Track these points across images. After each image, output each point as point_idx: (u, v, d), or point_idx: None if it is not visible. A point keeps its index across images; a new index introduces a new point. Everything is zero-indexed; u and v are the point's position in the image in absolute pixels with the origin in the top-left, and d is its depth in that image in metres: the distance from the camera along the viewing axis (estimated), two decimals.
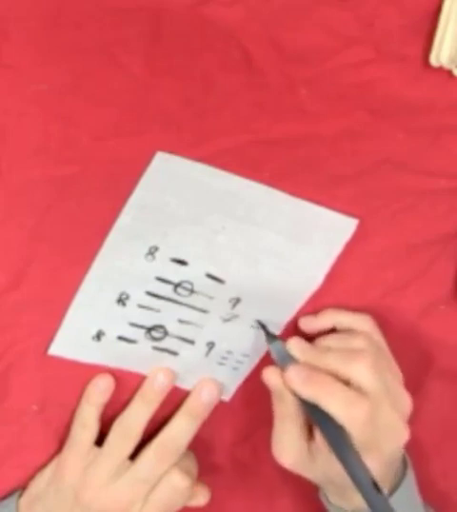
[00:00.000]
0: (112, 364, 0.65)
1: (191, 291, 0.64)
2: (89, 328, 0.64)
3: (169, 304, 0.64)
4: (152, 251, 0.63)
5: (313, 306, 0.67)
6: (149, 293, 0.64)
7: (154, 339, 0.65)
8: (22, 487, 0.66)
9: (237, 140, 0.64)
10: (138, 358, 0.65)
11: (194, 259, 0.64)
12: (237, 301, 0.65)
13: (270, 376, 0.63)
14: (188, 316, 0.65)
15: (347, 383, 0.60)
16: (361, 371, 0.60)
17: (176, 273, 0.64)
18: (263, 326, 0.65)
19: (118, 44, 0.64)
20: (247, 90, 0.65)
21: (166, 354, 0.66)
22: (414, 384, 0.64)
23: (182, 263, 0.64)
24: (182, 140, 0.64)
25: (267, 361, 0.67)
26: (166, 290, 0.64)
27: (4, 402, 0.65)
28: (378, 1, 0.65)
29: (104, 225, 0.63)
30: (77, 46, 0.64)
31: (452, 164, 0.66)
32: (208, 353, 0.66)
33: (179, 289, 0.64)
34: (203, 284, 0.64)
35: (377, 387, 0.60)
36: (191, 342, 0.66)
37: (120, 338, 0.65)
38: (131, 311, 0.64)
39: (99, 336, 0.64)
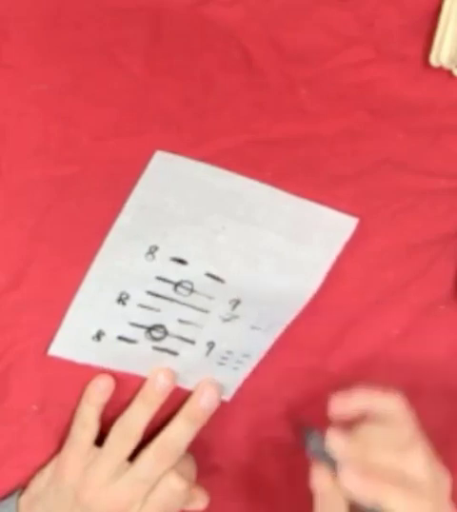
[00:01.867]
0: (112, 365, 0.65)
1: (191, 291, 0.64)
2: (89, 328, 0.64)
3: (170, 303, 0.64)
4: (152, 251, 0.63)
5: (314, 307, 0.67)
6: (150, 293, 0.64)
7: (154, 339, 0.65)
8: (22, 487, 0.66)
9: (237, 140, 0.64)
10: (138, 358, 0.65)
11: (194, 258, 0.64)
12: (237, 301, 0.65)
13: (321, 480, 0.59)
14: (188, 316, 0.65)
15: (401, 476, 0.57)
16: (416, 463, 0.57)
17: (176, 272, 0.64)
18: (298, 423, 0.64)
19: (118, 44, 0.64)
20: (247, 90, 0.65)
21: (166, 354, 0.66)
22: (415, 385, 0.64)
23: (182, 262, 0.64)
24: (182, 140, 0.64)
25: (267, 360, 0.67)
26: (166, 290, 0.64)
27: (4, 402, 0.65)
28: (378, 1, 0.65)
29: (104, 225, 0.63)
30: (77, 46, 0.64)
31: (452, 164, 0.66)
32: (208, 353, 0.66)
33: (179, 289, 0.64)
34: (203, 283, 0.64)
35: (432, 477, 0.58)
36: (192, 342, 0.66)
37: (120, 338, 0.65)
38: (131, 311, 0.64)
39: (99, 336, 0.64)
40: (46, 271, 0.63)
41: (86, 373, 0.65)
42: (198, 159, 0.63)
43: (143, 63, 0.64)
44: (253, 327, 0.66)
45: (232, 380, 0.68)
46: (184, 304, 0.65)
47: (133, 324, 0.65)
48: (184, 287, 0.64)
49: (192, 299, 0.65)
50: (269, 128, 0.65)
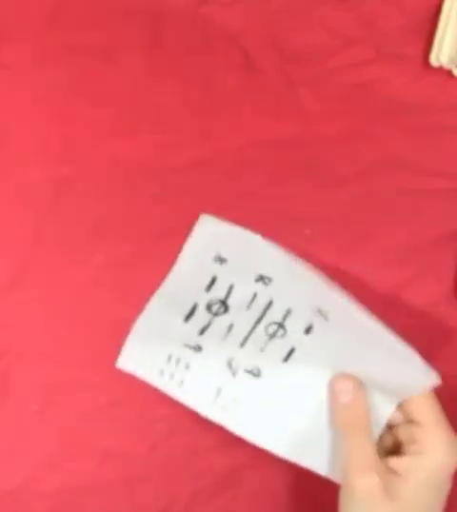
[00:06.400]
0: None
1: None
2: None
3: None
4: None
5: None
6: None
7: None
8: (22, 488, 0.66)
9: (237, 140, 0.65)
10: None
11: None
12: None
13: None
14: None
15: None
16: None
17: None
18: None
19: (118, 44, 0.64)
20: (247, 90, 0.65)
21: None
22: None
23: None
24: (182, 140, 0.64)
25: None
26: None
27: (4, 402, 0.65)
28: (378, 1, 0.65)
29: (103, 225, 0.63)
30: (77, 46, 0.64)
31: (452, 164, 0.66)
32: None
33: None
34: None
35: None
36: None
37: None
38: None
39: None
40: (46, 271, 0.64)
41: (86, 373, 0.65)
42: (198, 159, 0.63)
43: (143, 63, 0.64)
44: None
45: None
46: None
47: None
48: None
49: None
50: (269, 128, 0.65)
